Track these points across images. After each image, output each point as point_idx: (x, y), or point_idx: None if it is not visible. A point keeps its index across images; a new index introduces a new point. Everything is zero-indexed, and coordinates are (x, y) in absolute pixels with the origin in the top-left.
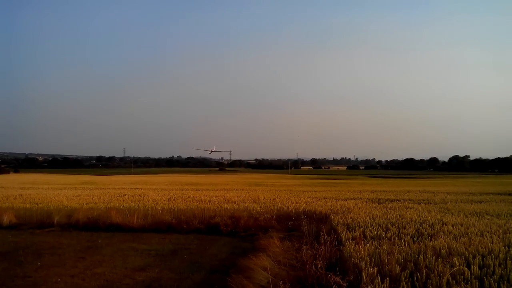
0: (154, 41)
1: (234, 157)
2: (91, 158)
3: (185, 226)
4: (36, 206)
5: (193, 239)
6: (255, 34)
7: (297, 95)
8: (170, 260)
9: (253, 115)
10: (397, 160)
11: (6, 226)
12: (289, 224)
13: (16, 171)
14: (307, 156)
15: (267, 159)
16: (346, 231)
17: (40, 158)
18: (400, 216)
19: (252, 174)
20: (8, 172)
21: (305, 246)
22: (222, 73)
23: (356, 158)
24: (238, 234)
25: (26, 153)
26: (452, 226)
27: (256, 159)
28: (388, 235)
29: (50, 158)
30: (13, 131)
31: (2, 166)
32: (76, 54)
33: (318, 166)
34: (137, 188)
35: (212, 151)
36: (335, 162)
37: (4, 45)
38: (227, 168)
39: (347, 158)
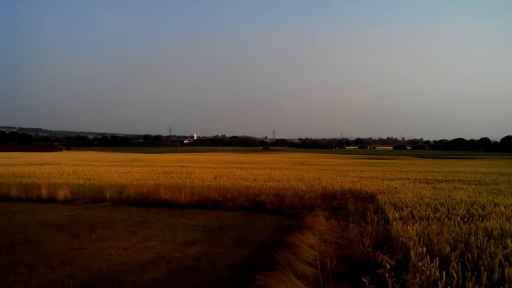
0: (198, 23)
1: (277, 137)
2: (138, 136)
3: (231, 203)
4: (89, 182)
5: (239, 216)
6: (299, 12)
7: (342, 74)
8: (217, 235)
9: (298, 94)
10: (446, 140)
11: (61, 201)
12: (335, 203)
13: (68, 149)
14: (352, 135)
15: (311, 139)
16: (393, 211)
17: (90, 136)
18: (449, 197)
19: (296, 154)
20: (61, 150)
21: (352, 225)
22: (265, 52)
23: (403, 138)
24: (283, 212)
25: (77, 131)
26: (505, 207)
27: (299, 139)
28: (437, 215)
29: (100, 137)
30: (66, 110)
31: (55, 144)
32: (124, 39)
33: (363, 146)
34: (184, 166)
35: None
36: (380, 142)
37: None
38: (271, 147)
39: (393, 138)
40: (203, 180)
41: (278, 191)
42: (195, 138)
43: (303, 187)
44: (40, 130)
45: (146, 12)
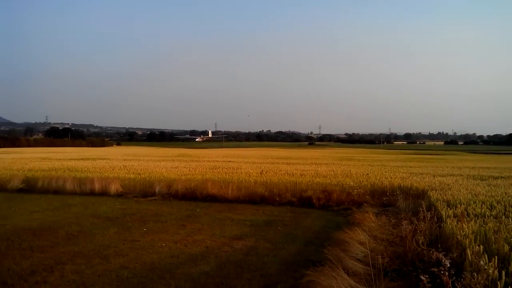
0: (251, 21)
1: (323, 132)
2: (185, 132)
3: (277, 199)
4: (139, 176)
5: (286, 212)
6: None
7: (390, 67)
8: (265, 230)
9: (344, 87)
10: (500, 135)
11: (113, 194)
12: (384, 199)
13: (118, 144)
14: (401, 130)
15: (358, 134)
16: (446, 208)
17: (139, 132)
18: (506, 194)
19: (342, 149)
20: (111, 145)
21: (404, 221)
22: (310, 43)
23: (454, 133)
24: (330, 208)
25: (127, 127)
26: None
27: (346, 134)
28: (494, 213)
29: (148, 132)
30: (116, 107)
31: (106, 139)
32: (169, 37)
33: (412, 141)
34: (230, 161)
35: None
36: (431, 137)
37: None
38: (316, 143)
39: (444, 133)
40: (249, 175)
41: (325, 187)
42: (209, 135)
43: (351, 183)
44: (92, 126)
45: (201, 12)
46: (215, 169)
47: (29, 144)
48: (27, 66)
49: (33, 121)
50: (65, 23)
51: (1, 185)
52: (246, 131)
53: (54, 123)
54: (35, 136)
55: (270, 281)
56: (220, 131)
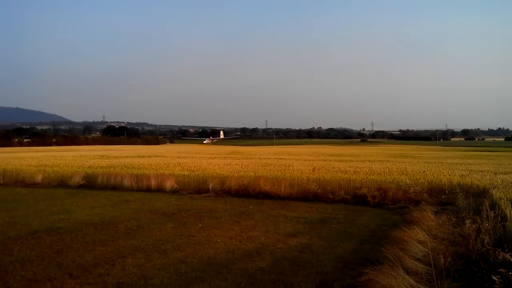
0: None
1: (376, 128)
2: (236, 129)
3: (331, 196)
4: (193, 173)
5: (340, 209)
6: None
7: (449, 61)
8: (319, 228)
9: (398, 82)
10: None
11: (168, 191)
12: (442, 197)
13: (171, 142)
14: (458, 126)
15: (412, 130)
16: (511, 207)
17: (191, 130)
18: None
19: (396, 146)
20: (164, 143)
21: (467, 220)
22: (363, 41)
23: None
24: (386, 206)
25: (179, 125)
26: None
27: (400, 130)
28: None
29: (200, 130)
30: (169, 106)
31: (160, 137)
32: (228, 36)
33: (470, 137)
34: (281, 158)
35: None
36: (490, 133)
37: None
38: (369, 140)
39: (504, 129)
40: (301, 173)
41: (380, 184)
42: (221, 136)
43: (407, 180)
44: (146, 124)
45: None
46: (267, 166)
47: (87, 142)
48: (85, 69)
49: (91, 120)
50: (126, 28)
51: (64, 181)
52: (297, 128)
53: (111, 122)
54: (93, 135)
55: (326, 279)
56: (270, 128)
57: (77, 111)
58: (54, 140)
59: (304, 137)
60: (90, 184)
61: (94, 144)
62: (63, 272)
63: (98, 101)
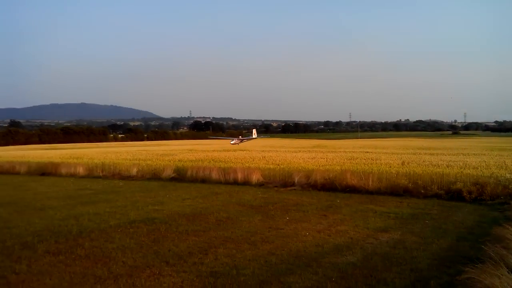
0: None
1: (469, 120)
2: (319, 123)
3: (422, 191)
4: (278, 167)
5: (433, 205)
6: None
7: None
8: (411, 223)
9: (492, 69)
10: None
11: (255, 184)
12: None
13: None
14: None
15: (510, 121)
16: None
17: (274, 124)
18: None
19: (493, 138)
20: None
21: None
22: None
23: None
24: (483, 201)
25: (263, 119)
26: None
27: (496, 121)
28: None
29: (283, 124)
30: (252, 101)
31: (244, 131)
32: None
33: None
34: (367, 152)
35: None
36: None
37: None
38: (461, 132)
39: None
40: (390, 166)
41: (477, 179)
42: (254, 135)
43: (507, 175)
44: (230, 119)
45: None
46: (353, 159)
47: (176, 137)
48: (174, 68)
49: (179, 116)
50: (212, 28)
51: (157, 174)
52: (382, 121)
53: (197, 117)
54: (180, 130)
55: (421, 276)
56: (354, 121)
57: (166, 108)
58: (145, 135)
59: (390, 130)
60: (180, 177)
61: (182, 139)
62: (160, 260)
63: (185, 98)
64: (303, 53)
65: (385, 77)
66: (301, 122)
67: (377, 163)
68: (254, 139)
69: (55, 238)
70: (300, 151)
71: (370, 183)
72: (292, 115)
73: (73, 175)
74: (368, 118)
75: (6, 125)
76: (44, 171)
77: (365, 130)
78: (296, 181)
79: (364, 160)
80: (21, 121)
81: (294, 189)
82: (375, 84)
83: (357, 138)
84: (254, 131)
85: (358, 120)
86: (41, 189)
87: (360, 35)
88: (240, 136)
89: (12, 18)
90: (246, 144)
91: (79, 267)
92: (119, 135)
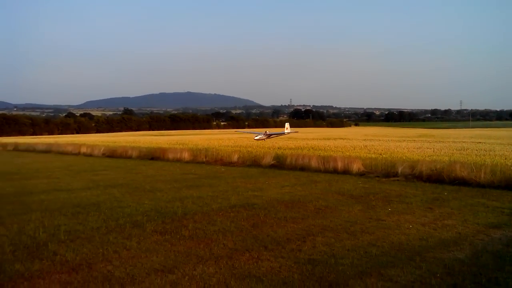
0: None
1: None
2: (425, 111)
3: None
4: (380, 156)
5: None
6: None
7: None
8: None
9: None
10: None
11: (355, 173)
12: None
13: (356, 125)
14: None
15: None
16: None
17: (377, 112)
18: None
19: None
20: (349, 126)
21: None
22: None
23: None
24: None
25: (364, 107)
26: None
27: None
28: None
29: (386, 112)
30: (354, 88)
31: (344, 120)
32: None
33: None
34: (479, 142)
35: None
36: None
37: None
38: None
39: None
40: (505, 158)
41: None
42: (286, 129)
43: None
44: (331, 107)
45: None
46: (463, 150)
47: (275, 125)
48: (276, 57)
49: (279, 104)
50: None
51: (256, 161)
52: (497, 109)
53: (297, 105)
54: (280, 118)
55: None
56: (466, 109)
57: (266, 96)
58: (246, 123)
59: (506, 119)
60: (280, 164)
61: (282, 127)
62: (259, 244)
63: (285, 86)
64: (410, 37)
65: (501, 60)
66: (406, 110)
67: (491, 154)
68: (287, 134)
69: (162, 218)
70: (404, 140)
71: (482, 175)
72: (396, 103)
73: (179, 160)
74: (481, 106)
75: (120, 112)
76: (153, 156)
77: (477, 119)
78: (399, 171)
79: (475, 151)
80: (133, 109)
81: (397, 180)
82: (489, 68)
83: (468, 127)
84: (287, 125)
85: (469, 109)
86: (150, 172)
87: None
88: (266, 131)
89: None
90: (347, 132)
91: (183, 246)
92: (222, 123)
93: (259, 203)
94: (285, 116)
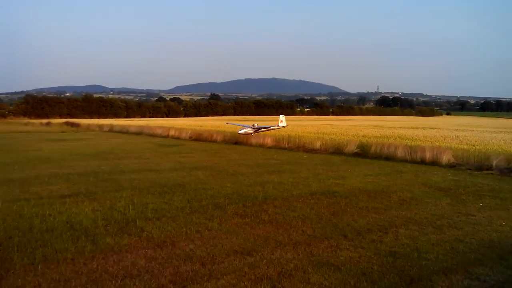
0: None
1: None
2: None
3: None
4: (473, 148)
5: None
6: None
7: None
8: None
9: None
10: None
11: (444, 165)
12: None
13: (448, 114)
14: None
15: None
16: None
17: (471, 101)
18: None
19: None
20: (440, 115)
21: None
22: None
23: None
24: None
25: (458, 96)
26: None
27: None
28: None
29: (482, 101)
30: (446, 76)
31: (435, 109)
32: None
33: None
34: None
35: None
36: None
37: None
38: None
39: None
40: None
41: None
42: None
43: None
44: (421, 95)
45: None
46: None
47: (361, 113)
48: (360, 43)
49: (365, 91)
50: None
51: (339, 149)
52: None
53: (384, 93)
54: (366, 105)
55: None
56: None
57: (352, 83)
58: (331, 110)
59: None
60: (363, 152)
61: (367, 115)
62: (338, 233)
63: (372, 72)
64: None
65: None
66: (504, 99)
67: None
68: (279, 128)
69: (243, 202)
70: (501, 131)
71: None
72: (494, 91)
73: (261, 146)
74: None
75: (207, 97)
76: (237, 140)
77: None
78: (494, 164)
79: None
80: (219, 94)
81: (491, 173)
82: None
83: None
84: (282, 117)
85: None
86: (233, 157)
87: None
88: (254, 124)
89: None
90: (438, 122)
91: (262, 230)
92: (305, 109)
93: (340, 191)
94: (371, 104)
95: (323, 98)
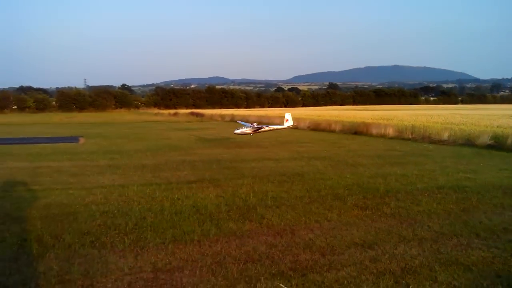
0: None
1: None
2: None
3: None
4: None
5: None
6: None
7: None
8: None
9: None
10: None
11: None
12: None
13: None
14: None
15: None
16: None
17: None
18: None
19: None
20: None
21: None
22: None
23: None
24: None
25: None
26: None
27: None
28: None
29: None
30: None
31: None
32: None
33: None
34: None
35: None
36: None
37: None
38: None
39: None
40: None
41: None
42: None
43: None
44: None
45: None
46: None
47: (495, 101)
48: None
49: (500, 77)
50: None
51: (470, 140)
52: None
53: None
54: (501, 93)
55: None
56: None
57: (484, 69)
58: (460, 98)
59: None
60: (498, 144)
61: (502, 103)
62: (469, 230)
63: (508, 56)
64: None
65: None
66: None
67: None
68: (283, 129)
69: (363, 193)
70: None
71: None
72: None
73: (382, 136)
74: None
75: (325, 87)
76: (356, 130)
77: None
78: None
79: None
80: (338, 83)
81: None
82: None
83: None
84: (287, 115)
85: None
86: (353, 147)
87: None
88: (255, 124)
89: None
90: None
91: (384, 224)
92: (431, 98)
93: (472, 186)
94: (508, 92)
95: (450, 85)
